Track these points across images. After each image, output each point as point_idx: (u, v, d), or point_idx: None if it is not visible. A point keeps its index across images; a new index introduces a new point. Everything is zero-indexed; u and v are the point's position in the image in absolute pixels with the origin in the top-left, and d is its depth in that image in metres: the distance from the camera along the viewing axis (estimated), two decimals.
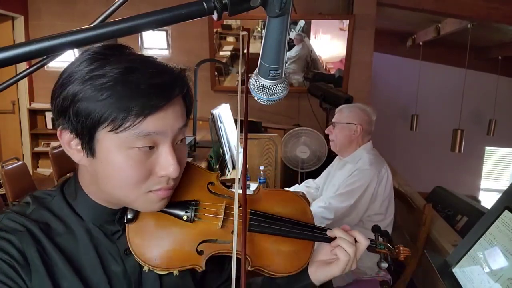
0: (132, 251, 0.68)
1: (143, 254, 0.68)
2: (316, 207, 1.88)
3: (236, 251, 0.66)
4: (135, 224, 0.70)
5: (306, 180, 2.41)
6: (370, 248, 0.83)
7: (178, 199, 0.73)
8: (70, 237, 0.66)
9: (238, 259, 0.67)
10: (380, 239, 0.86)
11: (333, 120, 2.08)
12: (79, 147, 0.62)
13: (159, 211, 0.70)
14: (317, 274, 0.79)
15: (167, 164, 0.63)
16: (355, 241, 0.80)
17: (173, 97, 0.62)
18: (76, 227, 0.67)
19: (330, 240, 0.80)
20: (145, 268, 0.69)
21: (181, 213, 0.71)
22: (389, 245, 0.85)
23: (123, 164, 0.61)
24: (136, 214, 0.70)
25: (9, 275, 0.58)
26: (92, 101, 0.57)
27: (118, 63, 0.59)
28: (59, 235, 0.65)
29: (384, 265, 0.82)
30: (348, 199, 1.84)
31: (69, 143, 0.62)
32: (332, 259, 0.79)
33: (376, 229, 0.87)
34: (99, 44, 0.62)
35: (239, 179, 0.76)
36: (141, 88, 0.58)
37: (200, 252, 0.71)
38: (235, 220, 0.67)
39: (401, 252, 0.86)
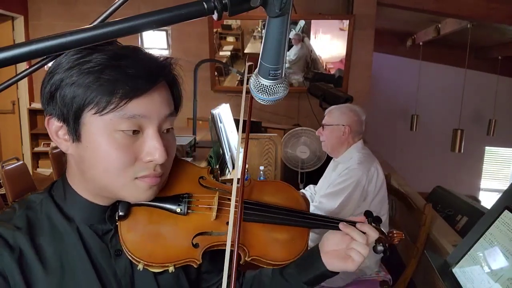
0: (125, 249, 0.67)
1: (137, 251, 0.67)
2: (312, 210, 1.91)
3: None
4: (127, 221, 0.68)
5: (309, 186, 2.43)
6: None
7: (169, 193, 0.72)
8: (57, 240, 0.65)
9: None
10: (373, 224, 0.86)
11: (322, 122, 2.10)
12: (67, 136, 0.62)
13: (151, 206, 0.70)
14: (332, 265, 0.80)
15: (152, 149, 0.63)
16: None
17: (158, 81, 0.63)
18: (65, 229, 0.66)
19: (327, 226, 0.81)
20: (140, 267, 0.67)
21: (173, 206, 0.71)
22: (382, 230, 0.86)
23: (108, 147, 0.61)
24: (128, 210, 0.69)
25: None
26: (78, 85, 0.58)
27: (106, 51, 0.60)
28: (45, 238, 0.64)
29: (381, 248, 0.82)
30: (337, 197, 1.87)
31: (56, 132, 0.63)
32: (346, 254, 0.80)
33: (368, 214, 0.87)
34: None
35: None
36: (128, 72, 0.59)
37: (195, 245, 0.71)
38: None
39: (395, 235, 0.87)
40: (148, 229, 0.70)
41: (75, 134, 0.61)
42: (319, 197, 1.95)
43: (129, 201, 0.68)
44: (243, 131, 0.79)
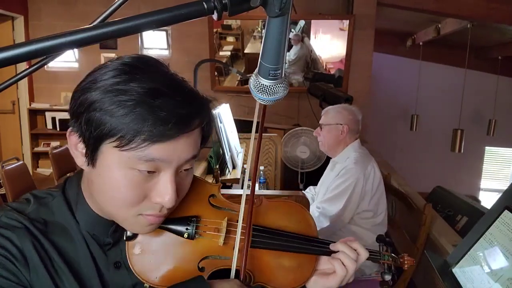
0: (132, 269, 0.67)
1: (144, 272, 0.67)
2: (311, 210, 1.91)
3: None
4: (134, 242, 0.69)
5: (309, 187, 2.43)
6: (374, 260, 0.81)
7: (178, 214, 0.71)
8: (68, 239, 0.66)
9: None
10: (384, 248, 0.84)
11: (320, 122, 2.12)
12: (84, 151, 0.62)
13: (159, 227, 0.69)
14: (315, 286, 0.78)
15: (164, 192, 0.61)
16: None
17: (190, 130, 0.60)
18: (74, 230, 0.66)
19: (334, 253, 0.79)
20: (146, 285, 0.68)
21: (182, 230, 0.69)
22: (393, 255, 0.83)
23: (119, 182, 0.59)
24: None
25: (11, 270, 0.59)
26: (106, 114, 0.56)
27: (145, 82, 0.57)
28: (57, 235, 0.65)
29: (388, 276, 0.80)
30: (340, 200, 1.88)
31: (76, 145, 0.62)
32: (329, 269, 0.78)
33: (380, 239, 0.85)
34: (132, 55, 0.61)
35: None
36: (159, 116, 0.56)
37: (201, 269, 0.70)
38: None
39: (406, 262, 0.84)
40: (155, 250, 0.69)
41: (91, 159, 0.60)
42: (320, 202, 1.94)
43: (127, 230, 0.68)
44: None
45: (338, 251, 0.78)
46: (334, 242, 0.81)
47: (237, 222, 0.72)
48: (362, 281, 1.97)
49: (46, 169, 4.78)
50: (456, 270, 0.93)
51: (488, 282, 0.83)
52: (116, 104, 0.56)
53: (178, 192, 0.63)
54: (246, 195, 0.72)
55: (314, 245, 0.77)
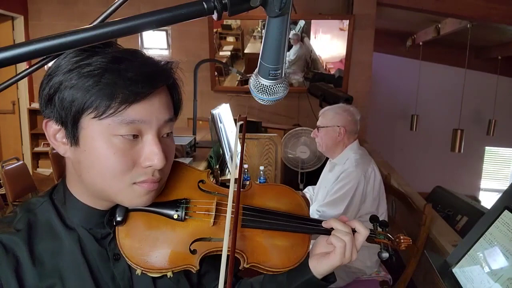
0: (123, 254, 0.67)
1: (134, 257, 0.67)
2: (311, 212, 1.90)
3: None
4: (125, 226, 0.68)
5: (307, 188, 2.42)
6: (369, 239, 0.81)
7: (168, 198, 0.71)
8: (54, 244, 0.64)
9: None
10: (379, 229, 0.84)
11: (317, 124, 2.09)
12: (65, 139, 0.62)
13: (148, 211, 0.69)
14: (318, 267, 0.77)
15: (151, 154, 0.62)
16: (355, 231, 0.78)
17: (158, 86, 0.62)
18: (63, 233, 0.65)
19: (327, 231, 0.78)
20: (138, 272, 0.67)
21: (171, 212, 0.70)
22: (389, 235, 0.83)
23: (106, 151, 0.60)
24: (126, 215, 0.68)
25: None
26: (77, 88, 0.57)
27: (105, 54, 0.59)
28: (43, 239, 0.64)
29: (385, 255, 0.79)
30: (340, 204, 1.86)
31: (54, 135, 0.62)
32: (330, 249, 0.78)
33: (374, 218, 0.85)
34: None
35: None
36: (128, 77, 0.58)
37: (193, 252, 0.70)
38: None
39: (402, 241, 0.84)
40: (145, 234, 0.69)
41: (73, 138, 0.60)
42: (320, 206, 1.92)
43: (125, 206, 0.67)
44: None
45: (331, 228, 0.78)
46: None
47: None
48: (362, 281, 1.97)
49: (46, 169, 4.78)
50: (456, 270, 0.93)
51: (488, 282, 0.83)
52: (84, 76, 0.57)
53: (165, 155, 0.63)
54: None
55: (306, 224, 0.77)
